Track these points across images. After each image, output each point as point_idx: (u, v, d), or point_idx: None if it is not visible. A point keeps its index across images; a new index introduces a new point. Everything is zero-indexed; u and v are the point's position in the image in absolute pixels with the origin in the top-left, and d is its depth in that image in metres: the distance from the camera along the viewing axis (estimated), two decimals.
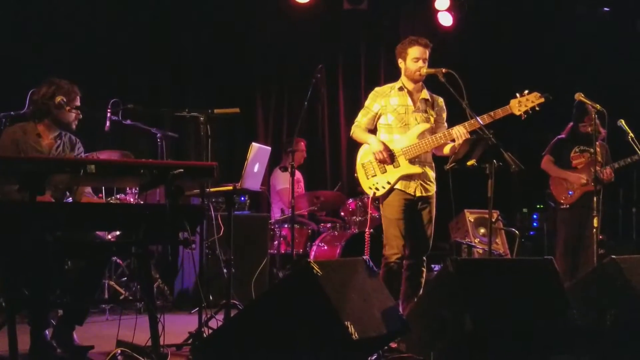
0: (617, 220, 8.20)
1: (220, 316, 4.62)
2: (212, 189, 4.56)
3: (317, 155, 8.43)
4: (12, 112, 4.28)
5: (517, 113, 4.53)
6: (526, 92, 4.55)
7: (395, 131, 4.71)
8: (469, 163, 4.51)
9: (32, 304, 3.66)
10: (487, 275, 3.78)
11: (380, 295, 3.72)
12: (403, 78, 4.78)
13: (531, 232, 8.32)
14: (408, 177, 4.66)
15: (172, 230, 3.51)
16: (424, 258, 4.76)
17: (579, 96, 5.20)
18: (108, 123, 4.35)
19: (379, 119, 4.79)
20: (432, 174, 4.77)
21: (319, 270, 3.31)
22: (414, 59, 4.68)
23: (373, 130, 4.84)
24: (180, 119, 4.56)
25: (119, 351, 3.72)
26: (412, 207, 4.68)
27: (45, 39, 6.89)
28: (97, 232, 4.30)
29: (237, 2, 7.97)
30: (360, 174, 4.79)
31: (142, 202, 5.37)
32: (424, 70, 4.66)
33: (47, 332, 3.87)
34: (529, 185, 7.46)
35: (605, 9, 8.48)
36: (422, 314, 3.92)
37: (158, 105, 7.27)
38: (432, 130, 4.73)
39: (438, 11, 8.39)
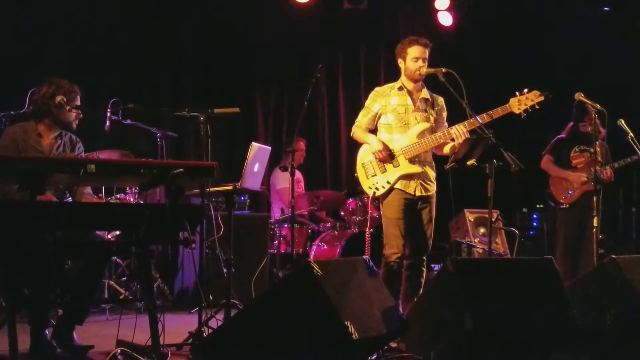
0: (617, 220, 8.20)
1: (220, 316, 4.63)
2: (212, 189, 4.56)
3: (317, 155, 8.43)
4: (12, 112, 4.27)
5: (517, 112, 4.53)
6: (525, 90, 4.55)
7: (395, 131, 4.71)
8: (468, 163, 4.51)
9: (32, 304, 3.67)
10: (487, 275, 3.78)
11: (380, 295, 3.72)
12: (403, 78, 4.78)
13: (531, 232, 8.32)
14: (408, 177, 4.66)
15: (172, 229, 3.52)
16: (424, 258, 4.76)
17: (579, 96, 5.20)
18: (108, 123, 4.35)
19: (379, 118, 4.79)
20: (432, 174, 4.77)
21: (319, 270, 3.31)
22: (413, 58, 4.68)
23: (373, 130, 4.84)
24: (180, 118, 4.56)
25: (119, 351, 3.72)
26: (412, 206, 4.68)
27: (45, 39, 6.89)
28: (97, 232, 4.30)
29: (237, 2, 7.96)
30: (360, 173, 4.79)
31: (142, 202, 5.37)
32: (424, 70, 4.66)
33: (47, 332, 3.87)
34: (528, 185, 7.45)
35: (606, 8, 8.48)
36: (422, 313, 3.92)
37: (158, 105, 7.27)
38: (432, 130, 4.73)
39: (438, 11, 8.39)
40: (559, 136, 6.25)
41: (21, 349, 3.31)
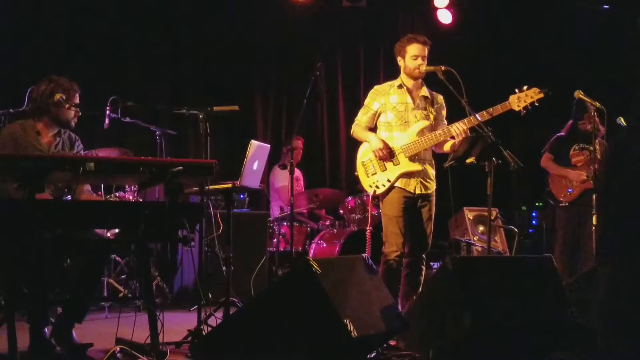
0: None
1: (219, 314, 4.62)
2: (211, 187, 4.56)
3: (317, 153, 8.43)
4: (11, 110, 4.26)
5: (517, 109, 4.53)
6: (525, 87, 4.55)
7: (395, 129, 4.71)
8: (468, 161, 4.51)
9: (31, 302, 3.67)
10: (486, 273, 3.78)
11: (380, 293, 3.72)
12: (402, 76, 4.78)
13: (530, 230, 8.31)
14: (408, 175, 4.66)
15: (171, 228, 3.51)
16: (424, 256, 4.76)
17: (579, 94, 5.21)
18: (107, 121, 4.35)
19: (378, 117, 4.79)
20: (432, 172, 4.77)
21: (318, 268, 3.31)
22: (412, 56, 4.68)
23: (373, 129, 4.84)
24: (179, 116, 4.57)
25: (118, 349, 3.72)
26: (412, 204, 4.68)
27: (45, 39, 6.88)
28: (96, 230, 4.29)
29: (237, 1, 7.96)
30: (360, 172, 4.79)
31: (141, 200, 5.37)
32: (423, 68, 4.66)
33: (46, 330, 3.87)
34: (528, 183, 7.45)
35: (605, 6, 8.47)
36: (421, 311, 3.92)
37: (157, 103, 7.26)
38: (432, 128, 4.73)
39: (437, 8, 8.39)
40: (559, 134, 6.25)
41: (20, 347, 3.31)
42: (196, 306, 4.44)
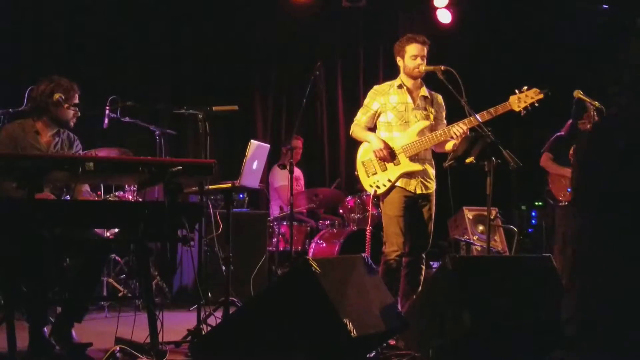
0: None
1: (218, 313, 4.62)
2: (210, 187, 4.56)
3: (316, 153, 8.43)
4: (10, 109, 4.26)
5: (517, 109, 4.53)
6: (525, 88, 4.55)
7: (395, 129, 4.71)
8: (467, 161, 4.51)
9: (30, 302, 3.67)
10: (486, 272, 3.78)
11: (379, 293, 3.72)
12: (402, 75, 4.78)
13: (530, 230, 8.32)
14: (409, 175, 4.66)
15: (170, 227, 3.51)
16: (423, 255, 4.76)
17: (578, 93, 5.20)
18: (106, 120, 4.35)
19: (378, 117, 4.79)
20: (432, 172, 4.77)
21: (317, 268, 3.31)
22: (412, 56, 4.67)
23: (372, 129, 4.84)
24: (179, 116, 4.57)
25: (118, 348, 3.71)
26: (412, 204, 4.68)
27: (45, 39, 6.88)
28: (96, 230, 4.29)
29: (237, 1, 7.96)
30: (360, 172, 4.79)
31: (140, 200, 5.37)
32: (423, 68, 4.65)
33: (45, 330, 3.86)
34: (527, 182, 7.45)
35: (605, 6, 8.47)
36: (421, 311, 3.92)
37: (157, 102, 7.27)
38: (432, 128, 4.73)
39: (437, 8, 8.39)
40: (558, 134, 6.25)
41: (20, 346, 3.32)
42: (196, 306, 4.43)
